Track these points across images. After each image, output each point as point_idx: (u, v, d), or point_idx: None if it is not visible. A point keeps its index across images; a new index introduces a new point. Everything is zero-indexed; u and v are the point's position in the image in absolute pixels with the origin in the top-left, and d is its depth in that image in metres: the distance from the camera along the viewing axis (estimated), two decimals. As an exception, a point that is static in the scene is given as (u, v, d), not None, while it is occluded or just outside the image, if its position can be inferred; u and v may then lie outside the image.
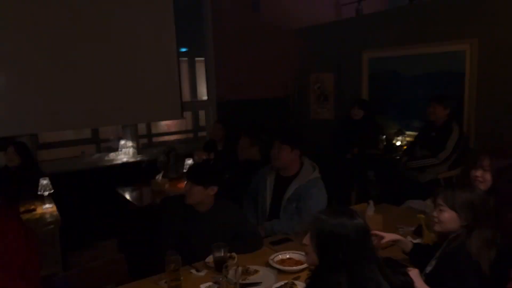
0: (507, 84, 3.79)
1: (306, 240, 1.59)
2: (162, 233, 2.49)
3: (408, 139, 4.61)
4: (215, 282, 2.02)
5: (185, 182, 2.46)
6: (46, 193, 3.42)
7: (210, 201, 2.46)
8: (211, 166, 2.57)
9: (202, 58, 5.78)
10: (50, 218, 3.19)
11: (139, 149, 5.18)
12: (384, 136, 4.73)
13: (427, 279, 1.89)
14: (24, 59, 4.21)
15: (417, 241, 2.34)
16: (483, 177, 2.21)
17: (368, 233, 1.52)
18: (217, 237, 2.33)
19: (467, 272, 1.71)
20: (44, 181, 3.43)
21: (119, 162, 4.96)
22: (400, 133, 4.63)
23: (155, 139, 6.67)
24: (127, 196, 3.89)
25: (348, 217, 1.50)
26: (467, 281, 1.70)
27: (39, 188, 3.41)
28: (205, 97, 5.83)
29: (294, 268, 2.18)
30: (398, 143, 4.60)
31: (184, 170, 4.16)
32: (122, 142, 5.08)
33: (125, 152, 5.08)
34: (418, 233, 2.55)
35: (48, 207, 3.38)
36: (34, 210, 3.34)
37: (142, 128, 5.76)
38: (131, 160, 5.02)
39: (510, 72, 3.75)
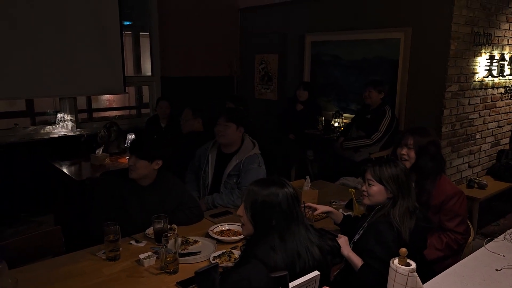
0: (434, 71, 4.08)
1: (240, 211, 1.67)
2: (100, 208, 2.46)
3: (345, 121, 4.84)
4: (154, 252, 2.06)
5: (129, 157, 2.43)
6: (-25, 166, 3.24)
7: (153, 174, 2.47)
8: (155, 141, 2.55)
9: (147, 33, 5.65)
10: (-21, 191, 3.05)
11: (78, 123, 5.01)
12: (323, 118, 4.93)
13: (354, 246, 2.06)
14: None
15: (348, 213, 2.52)
16: (408, 155, 2.42)
17: (298, 200, 1.63)
18: (158, 209, 2.34)
19: (389, 239, 1.88)
20: (-27, 153, 3.25)
21: (56, 135, 4.77)
22: (338, 115, 4.85)
23: (96, 114, 6.45)
24: (65, 170, 3.77)
25: (279, 186, 1.60)
26: (389, 248, 1.86)
27: (-33, 160, 3.24)
28: (149, 73, 5.72)
29: (233, 238, 2.26)
30: (336, 124, 4.81)
31: (126, 145, 4.11)
32: (60, 115, 4.88)
33: (63, 126, 4.89)
34: (349, 206, 2.74)
35: (-23, 180, 3.22)
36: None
37: (82, 103, 5.55)
38: (69, 134, 4.85)
39: (437, 60, 4.04)
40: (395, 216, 1.93)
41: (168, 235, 1.93)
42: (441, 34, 3.99)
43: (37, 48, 4.36)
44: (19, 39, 4.25)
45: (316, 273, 1.12)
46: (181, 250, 2.11)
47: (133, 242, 2.22)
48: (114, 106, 7.81)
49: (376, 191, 2.02)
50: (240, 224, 2.26)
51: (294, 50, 5.50)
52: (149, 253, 2.04)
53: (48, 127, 4.83)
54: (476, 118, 4.52)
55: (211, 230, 2.34)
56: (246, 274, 1.51)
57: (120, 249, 2.07)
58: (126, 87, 5.12)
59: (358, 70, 4.77)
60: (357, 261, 1.93)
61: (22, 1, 4.21)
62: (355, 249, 2.01)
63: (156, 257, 2.01)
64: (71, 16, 4.54)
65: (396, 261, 1.21)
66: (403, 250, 1.21)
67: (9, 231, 4.04)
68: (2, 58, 4.17)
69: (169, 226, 2.25)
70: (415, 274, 1.16)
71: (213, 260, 2.02)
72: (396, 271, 1.18)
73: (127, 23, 5.71)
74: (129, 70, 5.72)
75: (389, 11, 4.41)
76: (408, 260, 1.21)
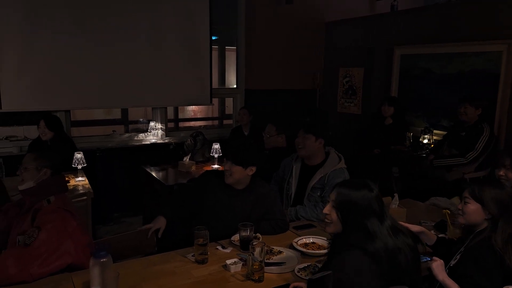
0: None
1: (327, 209, 1.77)
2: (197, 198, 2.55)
3: (435, 137, 4.58)
4: (241, 259, 2.10)
5: (225, 162, 2.52)
6: (79, 167, 3.56)
7: (247, 180, 2.53)
8: (251, 147, 2.61)
9: (232, 47, 5.85)
10: (82, 190, 3.33)
11: (167, 132, 5.32)
12: (411, 134, 4.71)
13: (450, 272, 1.92)
14: (63, 40, 4.37)
15: (441, 235, 2.36)
16: (506, 176, 2.25)
17: (382, 200, 1.74)
18: (247, 213, 2.42)
19: (491, 265, 1.74)
20: (78, 155, 3.58)
21: (147, 142, 5.10)
22: (428, 131, 4.60)
23: (181, 124, 6.80)
24: (154, 175, 4.00)
25: (368, 190, 1.71)
26: (491, 275, 1.72)
27: (73, 161, 3.56)
28: (232, 85, 5.91)
29: (317, 251, 2.23)
30: (425, 141, 4.57)
31: (211, 154, 4.26)
32: (152, 124, 5.22)
33: (154, 134, 5.21)
34: (439, 227, 2.56)
35: (81, 180, 3.53)
36: (68, 182, 3.47)
37: (169, 113, 5.89)
38: (159, 141, 5.16)
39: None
40: (497, 241, 1.78)
41: (254, 243, 1.95)
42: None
43: (134, 62, 4.73)
44: (119, 54, 4.65)
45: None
46: (266, 259, 2.11)
47: (219, 247, 2.28)
48: (198, 117, 8.16)
49: (473, 210, 1.90)
50: (324, 238, 2.27)
51: (381, 64, 5.34)
52: (236, 260, 2.09)
53: (141, 134, 5.19)
54: None
55: (295, 242, 2.32)
56: (343, 262, 1.59)
57: (208, 253, 2.13)
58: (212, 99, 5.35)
59: (451, 84, 4.50)
60: (454, 287, 1.79)
61: (122, 19, 4.61)
62: (451, 275, 1.88)
63: (242, 264, 2.04)
64: (165, 32, 4.87)
65: (510, 290, 1.10)
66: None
67: (103, 229, 4.36)
68: (103, 71, 4.58)
69: (253, 234, 2.27)
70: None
71: (298, 272, 2.01)
72: (511, 301, 1.07)
73: (214, 37, 5.97)
74: (214, 82, 5.96)
75: (489, 22, 4.11)
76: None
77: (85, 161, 3.64)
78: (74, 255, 1.97)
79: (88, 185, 3.43)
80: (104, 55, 4.57)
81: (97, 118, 6.16)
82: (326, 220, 1.78)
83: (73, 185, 3.42)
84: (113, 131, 5.09)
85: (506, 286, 1.12)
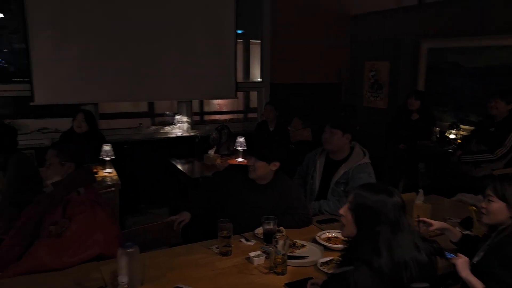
0: None
1: (344, 211, 1.67)
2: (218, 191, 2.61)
3: (462, 133, 4.49)
4: (264, 252, 2.12)
5: (249, 158, 2.55)
6: (108, 159, 3.67)
7: (270, 175, 2.56)
8: (274, 143, 2.64)
9: (257, 41, 5.85)
10: (110, 181, 3.43)
11: (192, 125, 5.39)
12: (438, 129, 4.63)
13: (474, 269, 1.90)
14: (93, 36, 4.50)
15: (466, 232, 2.32)
16: None
17: (405, 210, 1.59)
18: (270, 209, 2.43)
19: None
20: (107, 147, 3.68)
21: (173, 135, 5.19)
22: (455, 126, 4.51)
23: (206, 117, 6.86)
24: (180, 168, 4.07)
25: (387, 195, 1.57)
26: (515, 271, 1.70)
27: (102, 153, 3.67)
28: (257, 79, 5.92)
29: (340, 246, 2.22)
30: (452, 136, 4.48)
31: (235, 147, 4.30)
32: (178, 117, 5.31)
33: (180, 127, 5.30)
34: (464, 224, 2.53)
35: (109, 172, 3.63)
36: (96, 173, 3.59)
37: (195, 106, 5.95)
38: (185, 134, 5.25)
39: None
40: None
41: (277, 236, 1.97)
42: None
43: (161, 57, 4.82)
44: (147, 49, 4.74)
45: (425, 284, 1.08)
46: (289, 253, 2.14)
47: (243, 240, 2.32)
48: (223, 110, 8.22)
49: (496, 208, 1.86)
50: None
51: (408, 57, 5.25)
52: (259, 252, 2.11)
53: (167, 127, 5.29)
54: None
55: (318, 236, 2.33)
56: (351, 276, 1.50)
57: (232, 245, 2.17)
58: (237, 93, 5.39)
59: (480, 78, 4.39)
60: (477, 284, 1.78)
61: (149, 14, 4.69)
62: (474, 272, 1.86)
63: (266, 257, 2.07)
64: (192, 27, 4.93)
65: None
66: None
67: (130, 220, 4.47)
68: (131, 66, 4.69)
69: (277, 228, 2.30)
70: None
71: (321, 266, 2.02)
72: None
73: (240, 31, 5.99)
74: (238, 76, 5.98)
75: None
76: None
77: (113, 153, 3.74)
78: (103, 246, 2.04)
79: (116, 177, 3.52)
80: (132, 50, 4.67)
81: (124, 110, 6.29)
82: (342, 223, 1.70)
83: (102, 177, 3.52)
84: (139, 124, 5.19)
85: None
